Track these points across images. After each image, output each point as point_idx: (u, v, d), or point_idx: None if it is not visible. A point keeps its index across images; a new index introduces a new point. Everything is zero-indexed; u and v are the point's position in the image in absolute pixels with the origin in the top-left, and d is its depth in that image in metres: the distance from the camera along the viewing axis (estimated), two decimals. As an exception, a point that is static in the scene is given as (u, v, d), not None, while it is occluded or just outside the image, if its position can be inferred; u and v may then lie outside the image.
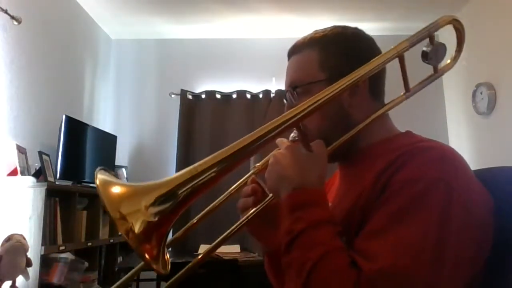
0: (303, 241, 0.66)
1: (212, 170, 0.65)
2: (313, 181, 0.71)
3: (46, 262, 2.26)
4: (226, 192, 0.89)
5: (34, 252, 2.15)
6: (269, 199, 0.79)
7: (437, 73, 0.84)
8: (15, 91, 2.56)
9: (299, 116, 0.70)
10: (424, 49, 0.78)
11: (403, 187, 0.65)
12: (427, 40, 0.78)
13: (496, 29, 3.01)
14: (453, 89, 3.67)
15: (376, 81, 0.81)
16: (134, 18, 3.70)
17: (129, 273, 0.85)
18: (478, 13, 3.32)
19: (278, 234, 0.78)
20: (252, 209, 0.82)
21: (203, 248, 3.14)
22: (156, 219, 0.63)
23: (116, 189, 0.64)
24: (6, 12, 2.38)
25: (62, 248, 2.38)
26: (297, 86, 0.82)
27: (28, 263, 2.05)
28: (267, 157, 0.83)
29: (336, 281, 0.61)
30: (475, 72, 3.27)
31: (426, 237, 0.61)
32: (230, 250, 3.03)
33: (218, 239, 0.81)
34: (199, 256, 0.84)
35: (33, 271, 2.12)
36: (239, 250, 3.09)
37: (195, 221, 0.88)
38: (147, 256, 0.61)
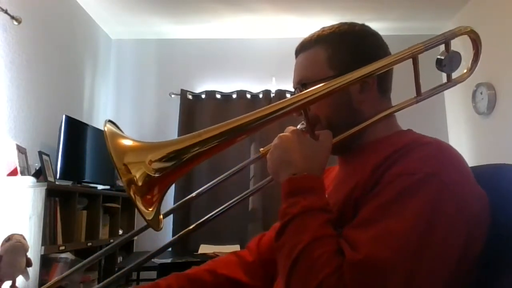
0: (295, 226, 0.67)
1: (216, 140, 0.70)
2: (314, 168, 0.73)
3: (46, 262, 2.27)
4: (229, 172, 0.91)
5: (34, 252, 2.15)
6: (268, 180, 0.80)
7: (450, 82, 0.83)
8: (15, 91, 2.56)
9: (305, 100, 0.72)
10: (439, 56, 0.78)
11: (396, 180, 0.66)
12: (442, 47, 0.78)
13: (496, 29, 3.01)
14: (453, 89, 3.64)
15: (385, 77, 0.82)
16: (134, 18, 3.70)
17: (132, 232, 0.89)
18: (477, 13, 3.32)
19: None
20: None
21: (203, 248, 3.14)
22: (158, 174, 0.67)
23: (124, 141, 0.68)
24: (6, 12, 2.38)
25: (62, 248, 2.38)
26: (306, 83, 0.82)
27: (28, 263, 2.05)
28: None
29: (319, 266, 0.61)
30: (475, 72, 3.25)
31: (411, 230, 0.61)
32: (230, 250, 3.02)
33: (196, 223, 0.82)
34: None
35: (33, 271, 2.12)
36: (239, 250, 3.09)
37: (194, 194, 0.91)
38: (143, 209, 0.64)
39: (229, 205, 0.81)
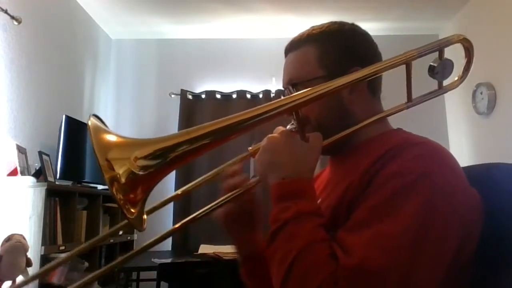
0: (288, 231, 0.66)
1: (204, 139, 0.68)
2: (304, 171, 0.72)
3: (46, 262, 2.26)
4: (218, 168, 0.88)
5: (34, 252, 2.15)
6: (256, 181, 0.79)
7: (441, 89, 0.83)
8: (15, 91, 2.56)
9: (297, 102, 0.71)
10: (432, 63, 0.78)
11: (388, 180, 0.65)
12: (435, 54, 0.78)
13: (496, 29, 3.01)
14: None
15: (375, 78, 0.81)
16: (134, 18, 3.70)
17: (113, 229, 0.85)
18: (477, 13, 3.32)
19: (252, 236, 0.83)
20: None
21: (203, 248, 3.14)
22: (143, 172, 0.64)
23: (108, 136, 0.65)
24: (6, 12, 2.38)
25: (62, 248, 2.38)
26: (297, 83, 0.82)
27: (28, 263, 2.05)
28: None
29: (314, 272, 0.61)
30: (475, 72, 3.24)
31: (405, 232, 0.61)
32: (230, 250, 3.02)
33: (188, 218, 0.79)
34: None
35: (33, 271, 2.11)
36: (239, 250, 3.08)
37: (179, 192, 0.88)
38: (126, 208, 0.62)
39: (214, 205, 0.79)
